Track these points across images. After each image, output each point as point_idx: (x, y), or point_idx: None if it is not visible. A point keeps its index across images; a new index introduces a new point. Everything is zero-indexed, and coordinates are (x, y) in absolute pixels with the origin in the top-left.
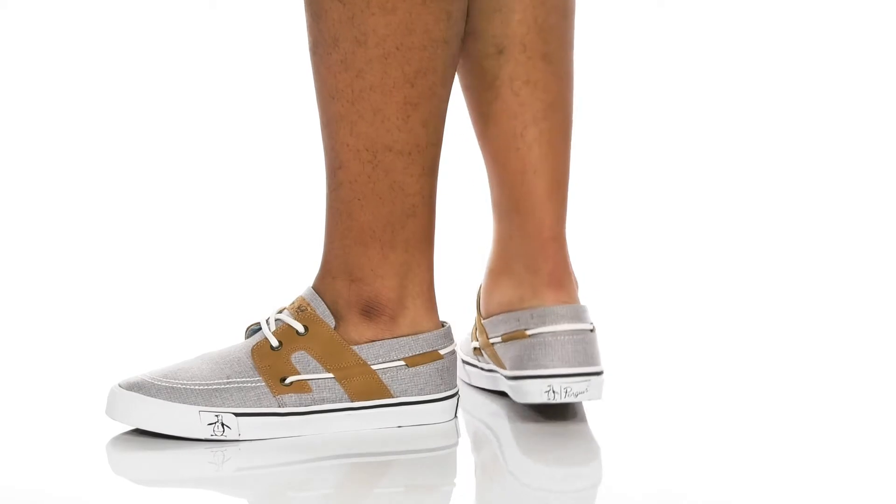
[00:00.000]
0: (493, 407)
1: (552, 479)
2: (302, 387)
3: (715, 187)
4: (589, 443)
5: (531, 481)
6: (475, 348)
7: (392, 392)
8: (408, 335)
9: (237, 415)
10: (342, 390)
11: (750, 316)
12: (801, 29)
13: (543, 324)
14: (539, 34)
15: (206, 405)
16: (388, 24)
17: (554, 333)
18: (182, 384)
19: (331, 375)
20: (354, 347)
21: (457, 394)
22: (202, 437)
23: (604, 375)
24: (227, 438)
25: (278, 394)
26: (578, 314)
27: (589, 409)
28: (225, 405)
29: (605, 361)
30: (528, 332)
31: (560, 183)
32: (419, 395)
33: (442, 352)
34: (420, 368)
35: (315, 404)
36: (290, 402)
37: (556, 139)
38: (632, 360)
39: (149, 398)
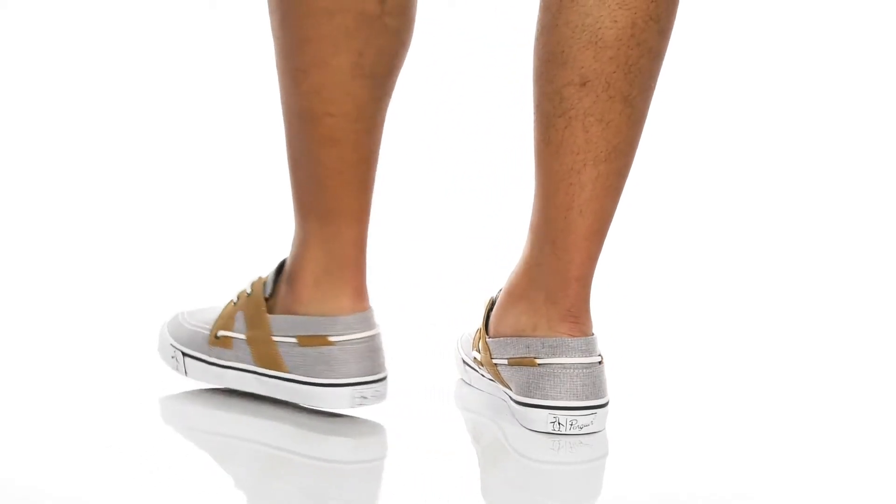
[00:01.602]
0: (495, 408)
1: (558, 452)
2: (226, 342)
3: (719, 201)
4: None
5: (537, 456)
6: (476, 359)
7: (286, 367)
8: (313, 314)
9: (184, 354)
10: (250, 354)
11: (754, 322)
12: (802, 29)
13: (554, 355)
14: (626, 75)
15: (175, 340)
16: None
17: (563, 366)
18: (185, 321)
19: (244, 337)
20: (269, 316)
21: (356, 385)
22: (169, 367)
23: (608, 407)
24: (180, 372)
25: (211, 345)
26: (588, 347)
27: None
28: (181, 343)
29: (612, 385)
30: (538, 361)
31: (602, 226)
32: (306, 375)
33: (332, 339)
34: (308, 350)
35: (232, 361)
36: (216, 354)
37: (611, 183)
38: (635, 358)
39: (162, 328)
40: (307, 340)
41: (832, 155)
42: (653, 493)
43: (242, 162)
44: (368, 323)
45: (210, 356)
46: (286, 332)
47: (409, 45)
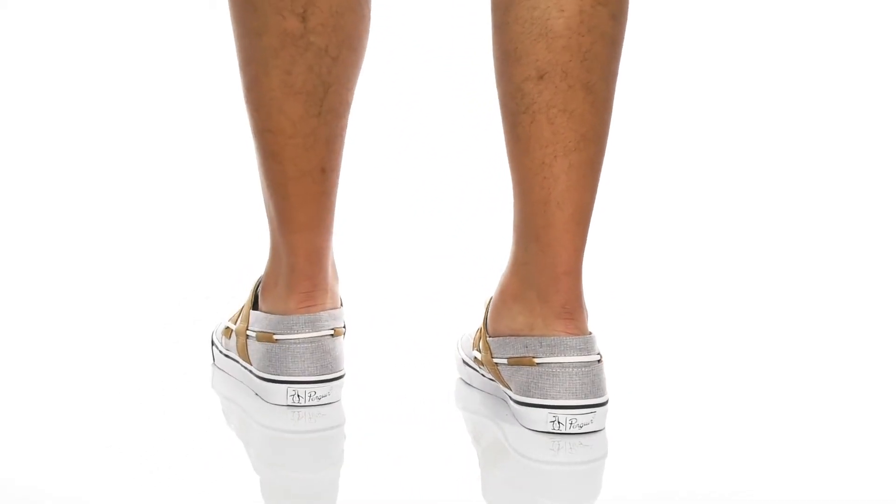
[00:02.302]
0: (495, 408)
1: (557, 453)
2: (228, 333)
3: (718, 198)
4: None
5: (537, 456)
6: (476, 359)
7: (250, 359)
8: (268, 312)
9: (213, 344)
10: (236, 345)
11: (752, 320)
12: (802, 29)
13: (552, 354)
14: (582, 63)
15: (214, 331)
16: (230, 13)
17: (562, 365)
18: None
19: (233, 328)
20: (251, 311)
21: (291, 383)
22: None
23: (608, 405)
24: (210, 361)
25: (223, 335)
26: (587, 346)
27: None
28: (214, 334)
29: (611, 384)
30: (537, 361)
31: (583, 217)
32: (257, 368)
33: (276, 336)
34: (259, 345)
35: (229, 350)
36: (223, 343)
37: (584, 172)
38: (634, 357)
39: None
40: (260, 336)
41: (823, 150)
42: (652, 493)
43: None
44: (314, 325)
45: (220, 345)
46: (252, 327)
47: (345, 61)
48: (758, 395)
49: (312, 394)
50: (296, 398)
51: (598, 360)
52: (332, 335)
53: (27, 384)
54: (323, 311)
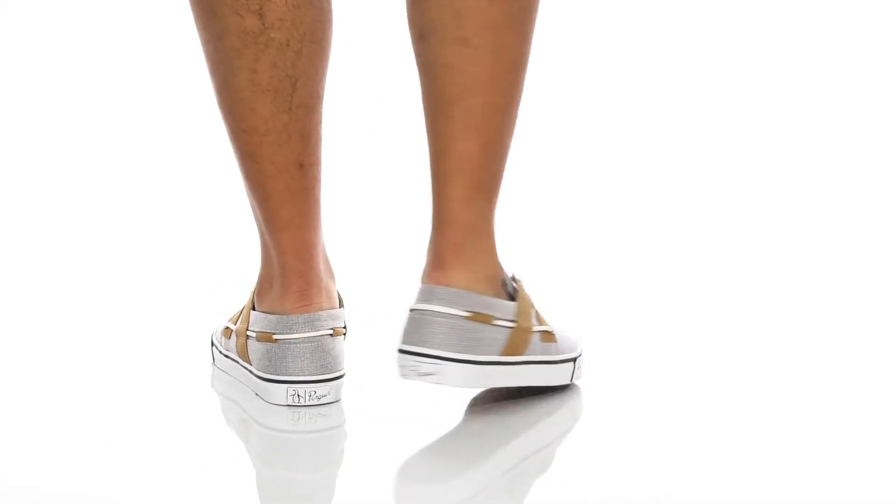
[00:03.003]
0: (494, 407)
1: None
2: (228, 333)
3: (705, 187)
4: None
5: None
6: None
7: (250, 359)
8: (268, 311)
9: (212, 344)
10: (235, 345)
11: (739, 315)
12: (798, 26)
13: (418, 301)
14: (453, 19)
15: (214, 331)
16: (195, 21)
17: (422, 312)
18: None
19: (234, 328)
20: (250, 312)
21: (290, 383)
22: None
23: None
24: (210, 361)
25: (223, 335)
26: (452, 297)
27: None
28: (214, 334)
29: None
30: (411, 308)
31: (465, 166)
32: (257, 368)
33: (276, 336)
34: (259, 345)
35: (228, 351)
36: (223, 343)
37: (466, 123)
38: (611, 360)
39: None
40: (260, 336)
41: (813, 146)
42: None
43: None
44: (313, 325)
45: (220, 345)
46: (252, 327)
47: (310, 54)
48: (748, 399)
49: (312, 393)
50: (296, 398)
51: (468, 318)
52: (331, 335)
53: (27, 384)
54: (321, 310)
